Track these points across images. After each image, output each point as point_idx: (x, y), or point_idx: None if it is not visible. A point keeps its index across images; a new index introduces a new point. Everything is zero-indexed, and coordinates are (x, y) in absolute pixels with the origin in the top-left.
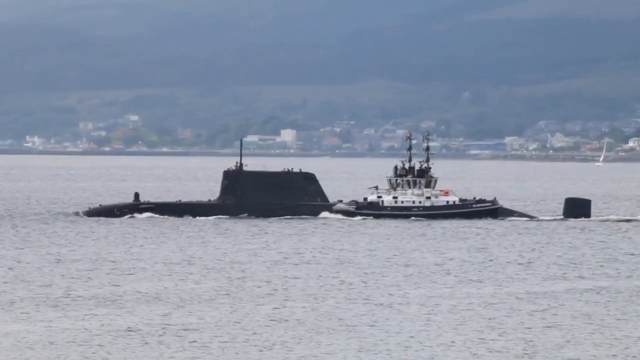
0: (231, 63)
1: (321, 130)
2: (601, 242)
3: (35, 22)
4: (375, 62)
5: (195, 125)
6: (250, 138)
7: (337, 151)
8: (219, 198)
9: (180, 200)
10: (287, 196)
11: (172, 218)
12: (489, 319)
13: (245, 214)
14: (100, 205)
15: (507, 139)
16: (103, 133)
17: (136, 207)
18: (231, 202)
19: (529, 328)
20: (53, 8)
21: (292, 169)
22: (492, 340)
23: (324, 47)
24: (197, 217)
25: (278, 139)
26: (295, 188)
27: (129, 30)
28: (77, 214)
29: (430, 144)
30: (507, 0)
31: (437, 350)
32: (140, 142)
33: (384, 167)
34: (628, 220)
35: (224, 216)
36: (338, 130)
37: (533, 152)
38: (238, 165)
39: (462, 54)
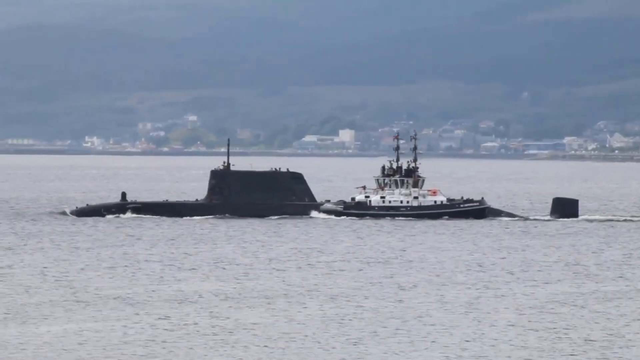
0: (290, 64)
1: (379, 130)
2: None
3: (95, 24)
4: (434, 62)
5: (253, 126)
6: (308, 138)
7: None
8: (206, 198)
9: (167, 200)
10: (275, 196)
11: (167, 218)
12: (537, 320)
13: (232, 214)
14: (87, 205)
15: (566, 139)
16: (162, 133)
17: (123, 206)
18: (218, 202)
19: (590, 328)
20: (113, 9)
21: (279, 168)
22: (539, 339)
23: (383, 47)
24: (184, 217)
25: (336, 139)
26: (283, 188)
27: (188, 32)
28: (64, 213)
29: (489, 144)
30: (566, 0)
31: (478, 351)
32: (198, 142)
33: (441, 167)
34: (617, 220)
35: (211, 216)
36: (396, 130)
37: (592, 152)
38: (225, 164)
39: (521, 53)
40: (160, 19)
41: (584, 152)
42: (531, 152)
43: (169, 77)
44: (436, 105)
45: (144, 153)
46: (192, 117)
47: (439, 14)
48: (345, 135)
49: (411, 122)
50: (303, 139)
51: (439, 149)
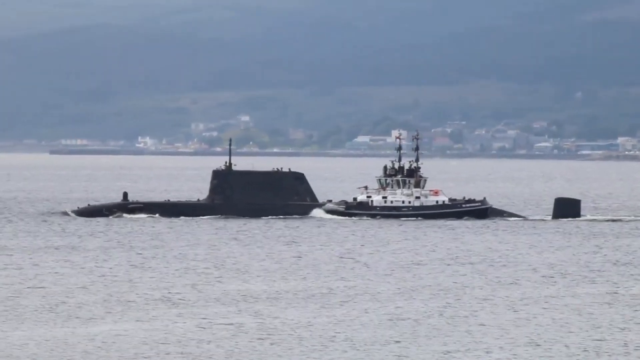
0: (343, 64)
1: (432, 130)
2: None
3: (148, 24)
4: (487, 62)
5: (306, 126)
6: (361, 139)
7: (447, 152)
8: (208, 197)
9: (169, 200)
10: (277, 196)
11: (166, 218)
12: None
13: (234, 214)
14: (89, 205)
15: (620, 140)
16: (215, 134)
17: (125, 206)
18: (220, 202)
19: None
20: (165, 10)
21: (281, 168)
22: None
23: (436, 48)
24: (186, 217)
25: (389, 140)
26: (285, 188)
27: (241, 32)
28: (65, 213)
29: (542, 144)
30: (619, 0)
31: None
32: (251, 142)
33: (494, 167)
34: (614, 220)
35: (213, 216)
36: (449, 130)
37: None
38: (227, 164)
39: (574, 54)
40: (214, 19)
41: (637, 152)
42: (584, 152)
43: (222, 77)
44: (489, 105)
45: (196, 153)
46: (245, 118)
47: (493, 13)
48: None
49: (464, 123)
50: (355, 139)
51: (492, 149)
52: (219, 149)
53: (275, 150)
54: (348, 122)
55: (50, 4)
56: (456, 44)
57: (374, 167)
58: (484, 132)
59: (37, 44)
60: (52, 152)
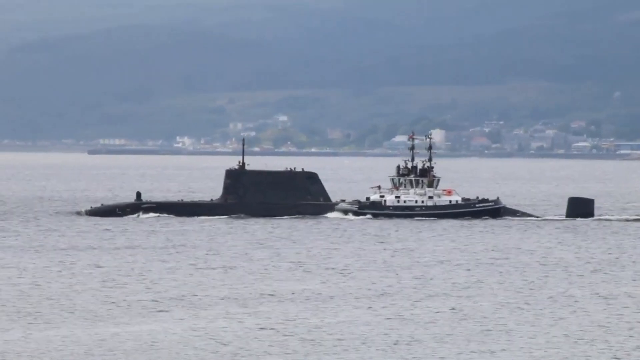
0: (381, 64)
1: (470, 130)
2: None
3: (186, 24)
4: (525, 62)
5: (344, 126)
6: (398, 138)
7: (486, 151)
8: (221, 197)
9: (182, 200)
10: (290, 195)
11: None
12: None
13: (247, 214)
14: (102, 204)
15: None
16: (253, 133)
17: (138, 206)
18: (233, 202)
19: None
20: (204, 10)
21: (294, 168)
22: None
23: (474, 47)
24: (199, 217)
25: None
26: (298, 187)
27: (279, 32)
28: (79, 213)
29: (581, 143)
30: None
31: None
32: (289, 142)
33: (535, 167)
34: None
35: (226, 216)
36: (487, 130)
37: None
38: (240, 164)
39: (614, 53)
40: (253, 19)
41: None
42: (623, 152)
43: (259, 77)
44: (527, 104)
45: (234, 153)
46: (283, 117)
47: (532, 13)
48: (436, 135)
49: (502, 122)
50: (393, 139)
51: (530, 149)
52: (256, 149)
53: (313, 150)
54: (386, 121)
55: (90, 4)
56: (495, 43)
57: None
58: (522, 131)
59: (76, 45)
60: (90, 152)
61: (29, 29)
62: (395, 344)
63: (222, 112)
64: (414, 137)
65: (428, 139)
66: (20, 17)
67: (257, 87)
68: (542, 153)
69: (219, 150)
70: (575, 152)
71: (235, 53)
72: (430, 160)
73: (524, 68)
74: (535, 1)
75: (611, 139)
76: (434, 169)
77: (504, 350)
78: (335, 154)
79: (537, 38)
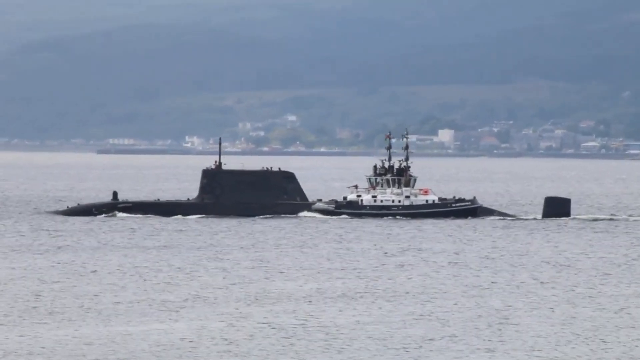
0: (389, 63)
1: (479, 130)
2: None
3: (194, 24)
4: (534, 61)
5: (353, 125)
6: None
7: (494, 151)
8: (197, 197)
9: (159, 199)
10: (266, 195)
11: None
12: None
13: (223, 214)
14: (78, 204)
15: None
16: (261, 133)
17: (114, 206)
18: (210, 201)
19: None
20: (212, 9)
21: (270, 167)
22: None
23: (482, 47)
24: (175, 217)
25: (435, 139)
26: (274, 187)
27: (287, 31)
28: (55, 212)
29: (589, 143)
30: None
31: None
32: (298, 142)
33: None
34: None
35: (203, 215)
36: (496, 130)
37: None
38: (217, 163)
39: (622, 52)
40: (261, 19)
41: None
42: (633, 152)
43: (268, 76)
44: (536, 104)
45: (243, 153)
46: (292, 117)
47: (540, 12)
48: (445, 135)
49: (511, 122)
50: (402, 139)
51: (539, 149)
52: (265, 149)
53: (322, 149)
54: (394, 121)
55: (98, 4)
56: (503, 42)
57: (421, 166)
58: (531, 131)
59: (85, 44)
60: (99, 152)
61: (37, 29)
62: (406, 344)
63: (231, 112)
64: (391, 136)
65: (405, 139)
66: (27, 17)
67: (265, 86)
68: (551, 153)
69: (227, 150)
70: (584, 152)
71: (244, 52)
72: (407, 159)
73: (532, 68)
74: (544, 1)
75: (620, 139)
76: (410, 169)
77: (515, 349)
78: (344, 154)
79: (546, 38)
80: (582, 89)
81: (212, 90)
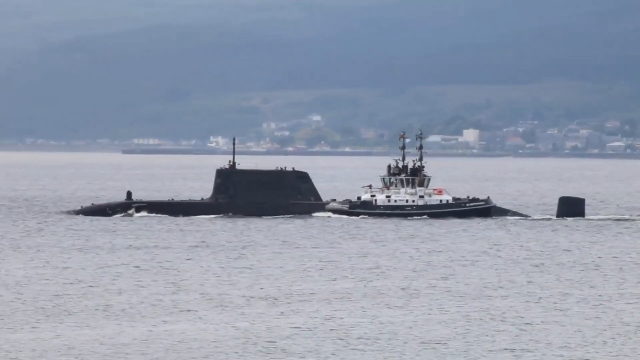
0: (415, 63)
1: (504, 130)
2: None
3: (220, 23)
4: (559, 62)
5: (378, 126)
6: (432, 138)
7: (520, 151)
8: (211, 197)
9: (172, 199)
10: (280, 195)
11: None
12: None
13: (237, 213)
14: (92, 204)
15: None
16: (286, 133)
17: (128, 205)
18: (224, 201)
19: None
20: (238, 9)
21: (285, 167)
22: None
23: (508, 47)
24: (190, 217)
25: (460, 139)
26: (288, 187)
27: (312, 31)
28: (69, 212)
29: (615, 143)
30: None
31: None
32: (322, 142)
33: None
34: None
35: (217, 215)
36: (521, 130)
37: None
38: (231, 163)
39: None
40: (286, 19)
41: None
42: None
43: (293, 76)
44: (561, 104)
45: (268, 153)
46: (317, 117)
47: (566, 12)
48: (470, 135)
49: (536, 122)
50: (427, 138)
51: (565, 149)
52: (290, 149)
53: (347, 149)
54: (420, 121)
55: (124, 4)
56: (529, 42)
57: (445, 167)
58: (556, 131)
59: (111, 44)
60: (124, 152)
61: (64, 29)
62: (425, 344)
63: (256, 112)
64: (405, 136)
65: (419, 139)
66: (54, 17)
67: (290, 86)
68: (577, 153)
69: (252, 150)
70: (609, 152)
71: (269, 52)
72: (421, 159)
73: (558, 67)
74: (571, 1)
75: None
76: (424, 169)
77: (534, 350)
78: (369, 154)
79: (573, 38)
80: (608, 89)
81: (237, 90)
